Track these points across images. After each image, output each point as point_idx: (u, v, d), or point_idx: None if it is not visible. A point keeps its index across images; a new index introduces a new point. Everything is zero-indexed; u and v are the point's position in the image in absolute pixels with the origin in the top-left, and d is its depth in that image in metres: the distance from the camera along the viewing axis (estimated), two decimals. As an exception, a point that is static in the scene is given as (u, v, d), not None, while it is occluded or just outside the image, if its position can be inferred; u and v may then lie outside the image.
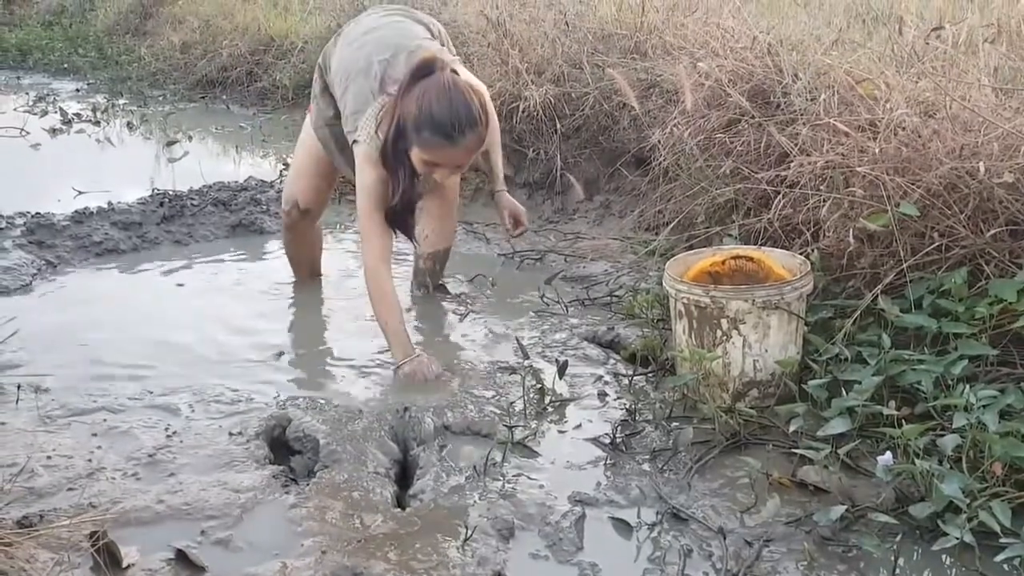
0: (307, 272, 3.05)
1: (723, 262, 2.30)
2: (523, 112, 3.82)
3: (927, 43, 2.57)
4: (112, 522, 1.67)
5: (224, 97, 6.64)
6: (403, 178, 2.31)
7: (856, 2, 5.62)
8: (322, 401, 2.18)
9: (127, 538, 1.64)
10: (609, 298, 2.82)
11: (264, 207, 3.71)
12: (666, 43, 3.79)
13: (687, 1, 4.12)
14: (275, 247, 3.46)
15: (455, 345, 2.55)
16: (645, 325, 2.55)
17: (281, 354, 2.51)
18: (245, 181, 3.99)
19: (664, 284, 2.21)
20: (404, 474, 1.96)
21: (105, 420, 2.11)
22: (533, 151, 3.85)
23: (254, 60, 6.34)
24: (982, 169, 2.06)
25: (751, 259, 2.28)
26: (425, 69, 2.25)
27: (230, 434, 2.05)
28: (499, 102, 3.95)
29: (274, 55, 6.20)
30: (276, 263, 3.27)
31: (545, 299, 2.81)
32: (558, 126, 3.78)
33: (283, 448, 2.04)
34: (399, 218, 2.39)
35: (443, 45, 2.59)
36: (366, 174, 2.36)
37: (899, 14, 3.05)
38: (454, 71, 2.30)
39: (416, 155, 2.25)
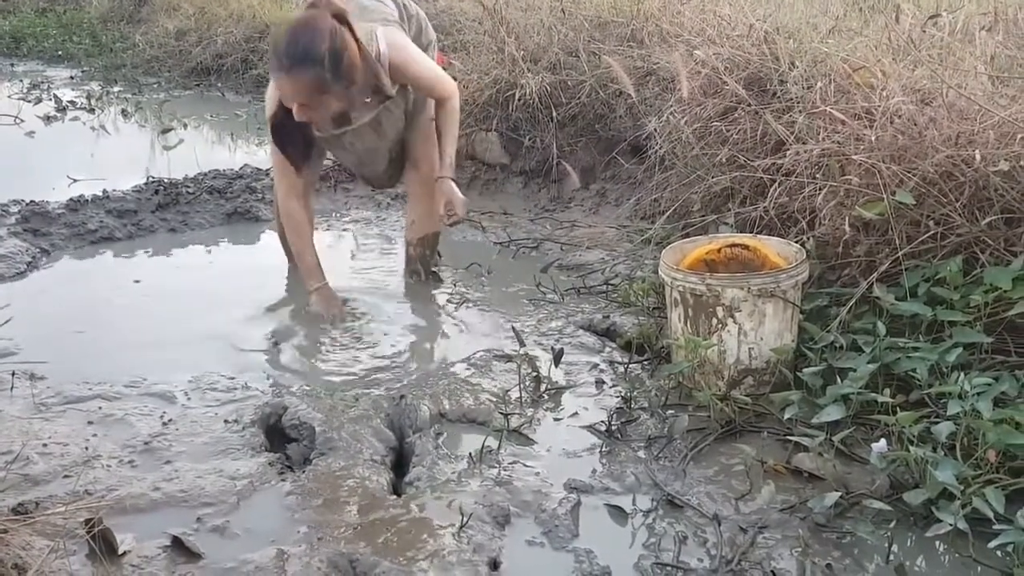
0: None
1: (719, 250, 2.30)
2: (519, 100, 3.81)
3: (924, 31, 2.57)
4: (108, 509, 1.67)
5: (219, 85, 6.61)
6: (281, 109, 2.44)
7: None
8: (318, 388, 2.18)
9: (123, 525, 1.64)
10: (605, 286, 2.82)
11: (259, 195, 3.71)
12: (663, 31, 3.78)
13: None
14: (271, 235, 3.45)
15: (451, 333, 2.55)
16: (641, 313, 2.56)
17: (277, 342, 2.50)
18: (240, 169, 3.98)
19: (660, 272, 2.21)
20: (400, 461, 1.96)
21: (100, 408, 2.11)
22: (529, 139, 3.84)
23: (249, 47, 6.31)
24: (978, 157, 2.06)
25: (747, 247, 2.28)
26: (310, 5, 2.40)
27: (226, 422, 2.05)
28: (495, 90, 3.95)
29: (269, 42, 6.16)
30: (272, 250, 3.25)
31: (541, 287, 2.81)
32: (554, 114, 3.77)
33: (279, 436, 2.04)
34: (284, 144, 2.55)
35: (407, 23, 2.71)
36: (267, 109, 2.55)
37: (896, 2, 3.03)
38: (338, 16, 2.36)
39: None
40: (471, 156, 4.01)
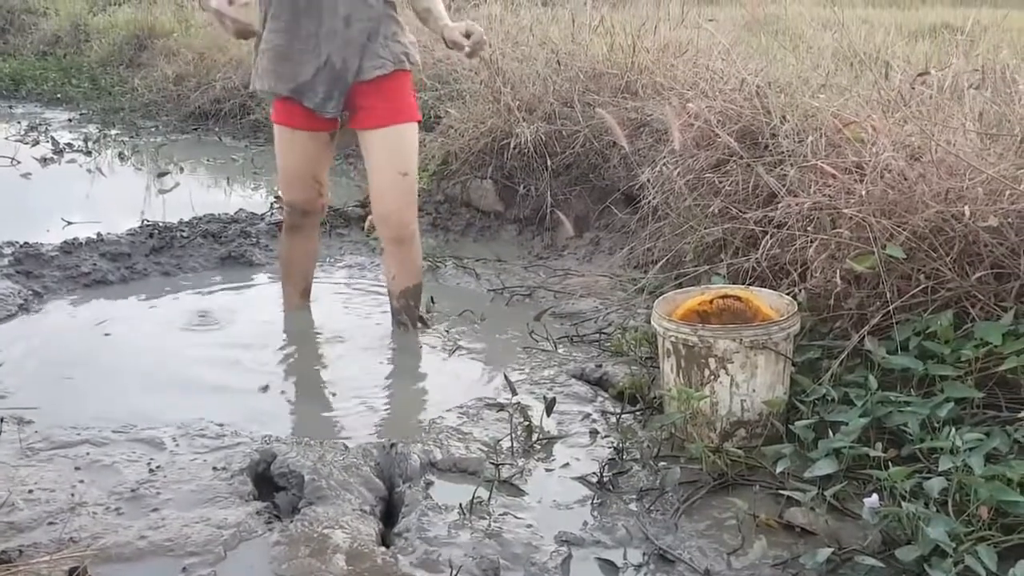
0: (298, 289, 3.04)
1: (711, 301, 2.31)
2: (514, 149, 3.85)
3: (913, 88, 2.61)
4: (93, 558, 1.65)
5: (216, 129, 6.66)
6: None
7: (843, 47, 5.74)
8: (308, 436, 2.17)
9: (108, 574, 1.61)
10: (598, 335, 2.82)
11: (254, 239, 3.72)
12: (656, 83, 3.85)
13: (677, 43, 4.19)
14: (264, 279, 3.46)
15: (442, 381, 2.54)
16: (634, 363, 2.56)
17: (267, 387, 2.49)
18: (235, 213, 4.00)
19: (652, 322, 2.21)
20: (389, 511, 1.94)
21: (88, 453, 2.09)
22: (524, 187, 3.88)
23: (247, 93, 6.36)
24: (967, 213, 2.09)
25: (739, 298, 2.29)
26: None
27: (214, 469, 2.03)
28: (491, 138, 4.00)
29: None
30: (265, 295, 3.26)
31: (534, 335, 2.81)
32: (549, 163, 3.82)
33: (268, 484, 2.02)
34: None
35: None
36: None
37: (885, 59, 3.10)
38: None
39: None
40: (466, 203, 4.05)
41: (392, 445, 2.08)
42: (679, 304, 2.30)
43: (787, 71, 3.78)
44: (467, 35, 2.58)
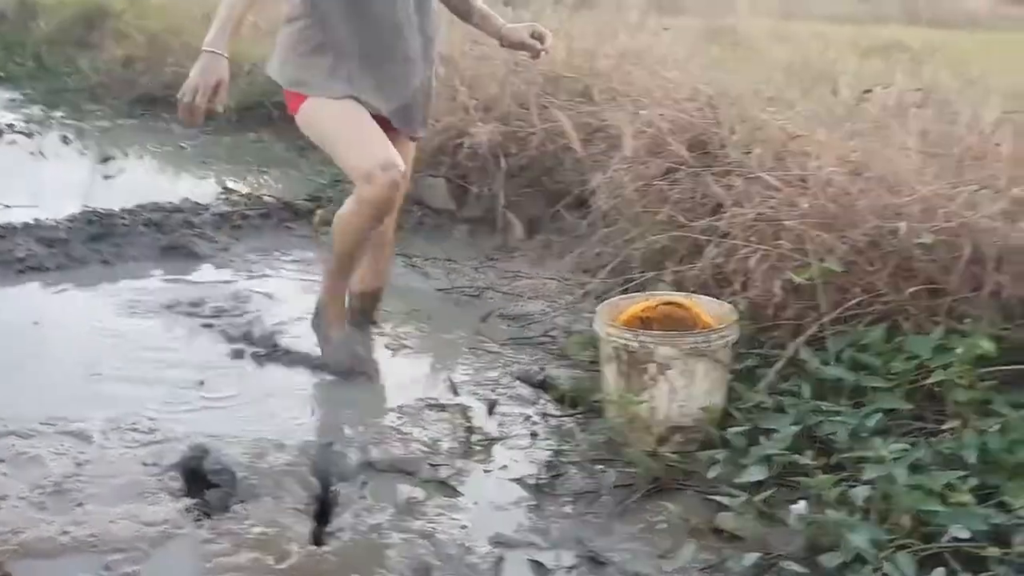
0: (347, 279, 2.59)
1: (654, 307, 2.33)
2: (469, 148, 3.84)
3: (858, 105, 2.67)
4: (12, 553, 1.61)
5: (166, 116, 6.50)
6: None
7: (795, 61, 5.85)
8: (243, 432, 2.14)
9: (27, 570, 1.58)
10: (544, 338, 2.83)
11: (198, 230, 3.65)
12: (613, 89, 3.87)
13: (636, 50, 4.22)
14: (207, 271, 3.40)
15: (385, 380, 2.52)
16: (577, 366, 2.57)
17: (203, 382, 2.45)
18: (180, 202, 3.91)
19: (595, 327, 2.23)
20: (324, 510, 1.92)
21: (13, 445, 2.03)
22: (477, 187, 3.87)
23: (200, 81, 6.26)
24: (903, 229, 2.14)
25: (681, 306, 2.31)
26: None
27: (144, 464, 1.99)
28: (445, 137, 3.98)
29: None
30: (206, 287, 3.21)
31: (480, 337, 2.81)
32: (503, 164, 3.81)
33: (200, 480, 1.99)
34: None
35: None
36: None
37: (837, 74, 3.16)
38: None
39: None
40: (418, 201, 4.02)
41: (330, 443, 2.07)
42: (623, 309, 2.32)
43: (741, 82, 3.85)
44: (534, 36, 2.49)
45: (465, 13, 2.60)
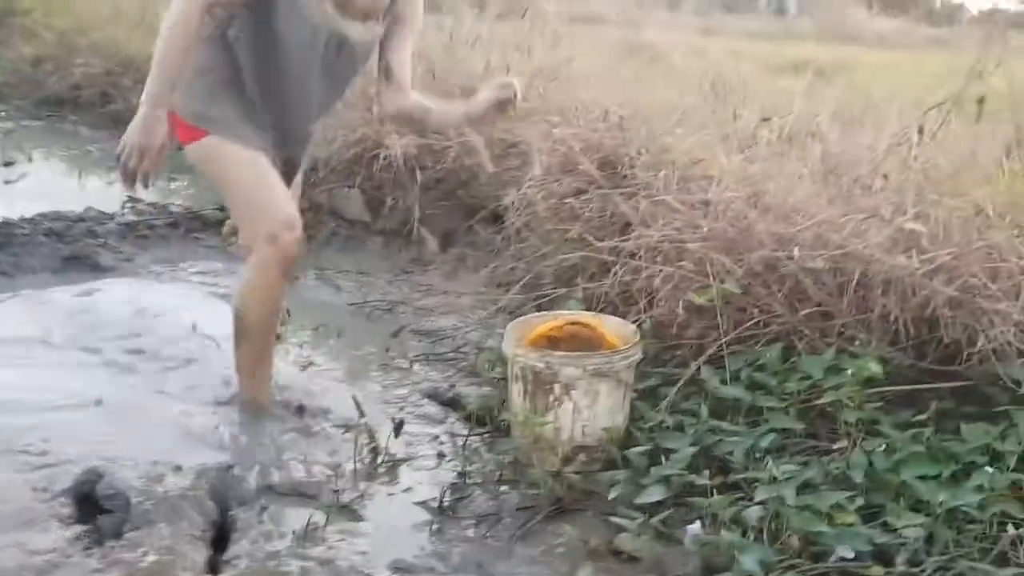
0: (271, 344, 2.39)
1: (561, 327, 2.36)
2: (384, 160, 3.83)
3: (757, 132, 2.76)
4: None
5: (73, 118, 6.30)
6: None
7: (709, 79, 6.00)
8: (140, 454, 2.07)
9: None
10: (455, 354, 2.83)
11: (101, 240, 3.53)
12: (528, 105, 3.91)
13: (551, 67, 4.27)
14: (111, 284, 3.29)
15: (290, 399, 2.47)
16: (487, 383, 2.58)
17: (100, 402, 2.37)
18: (84, 211, 3.79)
19: (503, 348, 2.25)
20: (221, 537, 1.88)
21: None
22: (392, 199, 3.86)
23: (109, 81, 6.06)
24: (796, 254, 2.23)
25: (587, 325, 2.35)
26: None
27: (34, 489, 1.91)
28: (360, 148, 3.96)
29: (132, 78, 5.93)
30: (108, 301, 3.10)
31: (390, 353, 2.80)
32: (418, 177, 3.81)
33: (92, 506, 1.92)
34: None
35: None
36: None
37: (745, 94, 3.26)
38: None
39: None
40: (332, 211, 3.99)
41: (229, 467, 2.03)
42: (532, 328, 2.34)
43: (653, 101, 3.93)
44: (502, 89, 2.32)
45: (423, 122, 2.48)
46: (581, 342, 2.33)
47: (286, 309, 2.94)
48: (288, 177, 2.33)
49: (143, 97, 2.02)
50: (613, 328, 2.33)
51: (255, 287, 2.21)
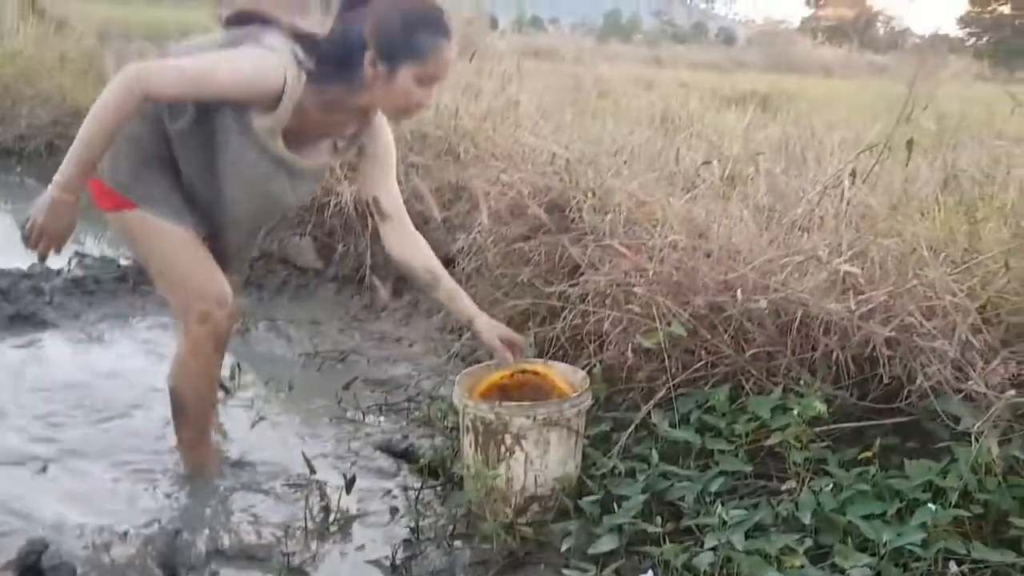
0: (211, 417, 2.38)
1: (511, 375, 2.36)
2: (335, 206, 3.82)
3: (699, 174, 2.82)
4: None
5: (19, 169, 6.20)
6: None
7: (658, 113, 6.12)
8: (86, 522, 2.03)
9: None
10: (408, 403, 2.82)
11: (47, 298, 3.47)
12: (479, 148, 3.94)
13: (500, 108, 4.31)
14: (57, 342, 3.23)
15: (241, 458, 2.44)
16: (440, 433, 2.57)
17: (45, 467, 2.32)
18: (29, 268, 3.71)
19: (454, 399, 2.24)
20: (168, 606, 1.85)
21: None
22: (343, 246, 3.85)
23: (56, 131, 5.98)
24: (739, 296, 2.26)
25: (537, 373, 2.36)
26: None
27: (-26, 564, 1.86)
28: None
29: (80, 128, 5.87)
30: (55, 360, 3.05)
31: (342, 405, 2.78)
32: (369, 223, 3.80)
33: (35, 578, 1.87)
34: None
35: None
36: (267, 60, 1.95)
37: (682, 141, 3.33)
38: None
39: (407, 75, 1.96)
40: (283, 259, 3.97)
41: (177, 532, 1.99)
42: (482, 378, 2.35)
43: (602, 139, 3.99)
44: (503, 340, 2.28)
45: (429, 285, 2.35)
46: (532, 390, 2.34)
47: (236, 364, 2.92)
48: (219, 258, 2.22)
49: (57, 176, 1.90)
50: (562, 374, 2.35)
51: (189, 366, 2.18)
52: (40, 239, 1.94)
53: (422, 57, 1.96)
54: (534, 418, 2.12)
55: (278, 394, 2.87)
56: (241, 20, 2.08)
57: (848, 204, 2.27)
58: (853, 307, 2.04)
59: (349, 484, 2.22)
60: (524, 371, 2.36)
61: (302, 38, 2.01)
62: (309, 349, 3.24)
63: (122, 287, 3.68)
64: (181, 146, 2.08)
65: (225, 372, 2.87)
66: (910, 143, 2.21)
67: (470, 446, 2.19)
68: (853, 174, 2.32)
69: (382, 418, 2.73)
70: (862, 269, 2.16)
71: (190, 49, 2.07)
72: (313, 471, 2.27)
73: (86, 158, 1.88)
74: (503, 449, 2.13)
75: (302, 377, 3.01)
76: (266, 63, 1.95)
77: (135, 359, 3.10)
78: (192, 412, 2.23)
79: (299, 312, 3.58)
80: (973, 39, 39.24)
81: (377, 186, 2.30)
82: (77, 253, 3.80)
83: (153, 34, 10.27)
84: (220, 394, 2.62)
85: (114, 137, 1.90)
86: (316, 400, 2.83)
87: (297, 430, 2.62)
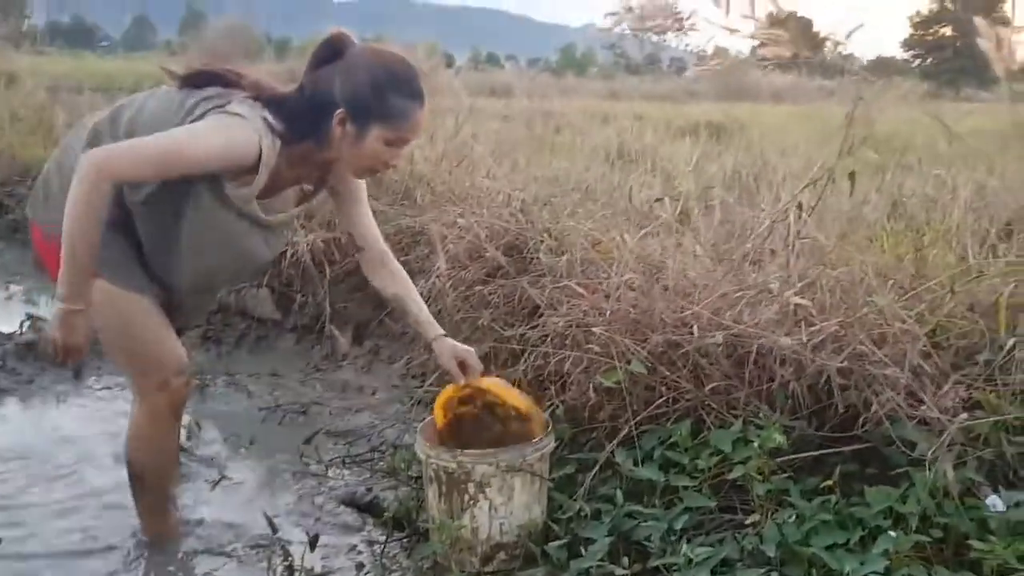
0: (172, 482, 2.31)
1: (461, 399, 2.30)
2: (292, 256, 3.80)
3: (651, 210, 2.85)
4: None
5: (-30, 230, 6.10)
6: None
7: (614, 146, 6.20)
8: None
9: None
10: (372, 454, 2.79)
11: (-1, 362, 3.40)
12: (436, 192, 3.96)
13: (454, 153, 4.35)
14: (11, 407, 3.16)
15: (201, 519, 2.39)
16: (404, 484, 2.54)
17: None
18: (-19, 334, 3.64)
19: (416, 449, 2.22)
20: None
21: None
22: (302, 296, 3.82)
23: (5, 191, 5.91)
24: (695, 331, 2.28)
25: (484, 390, 2.30)
26: (339, 45, 1.96)
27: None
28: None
29: (29, 186, 5.80)
30: (9, 425, 2.97)
31: (304, 459, 2.74)
32: (327, 271, 3.79)
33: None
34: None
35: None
36: (235, 132, 1.88)
37: (631, 183, 3.37)
38: None
39: (377, 136, 1.94)
40: (241, 311, 3.93)
41: (135, 604, 1.94)
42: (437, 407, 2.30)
43: (558, 177, 4.03)
44: (460, 364, 2.26)
45: (398, 311, 2.40)
46: (485, 407, 2.30)
47: (195, 422, 2.87)
48: (177, 317, 2.18)
49: (59, 289, 1.85)
50: (513, 390, 2.31)
51: (147, 435, 2.12)
52: (65, 354, 1.89)
53: (393, 121, 1.94)
54: (497, 465, 2.10)
55: (239, 451, 2.83)
56: (199, 81, 2.01)
57: (796, 236, 2.31)
58: (805, 339, 2.07)
59: (313, 542, 2.18)
60: (470, 387, 2.31)
61: (268, 100, 1.97)
62: (270, 403, 3.20)
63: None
64: (142, 214, 2.01)
65: (185, 430, 2.84)
66: (852, 175, 2.26)
67: (434, 496, 2.17)
68: (800, 207, 2.36)
69: (346, 471, 2.70)
70: (813, 300, 2.19)
71: (151, 118, 1.98)
72: (275, 530, 2.23)
73: (79, 265, 1.83)
74: (467, 498, 2.11)
75: (263, 432, 2.97)
76: (239, 135, 1.89)
77: (91, 423, 3.03)
78: (151, 480, 2.18)
79: (259, 365, 3.54)
80: (918, 60, 40.47)
81: (351, 222, 2.29)
82: (29, 316, 3.74)
83: (105, 86, 10.27)
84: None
85: (98, 229, 1.82)
86: (278, 455, 2.79)
87: (258, 489, 2.58)
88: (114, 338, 2.10)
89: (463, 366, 2.26)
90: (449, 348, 2.28)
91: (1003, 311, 2.11)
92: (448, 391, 2.31)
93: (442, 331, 2.31)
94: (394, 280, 2.32)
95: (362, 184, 2.27)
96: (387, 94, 1.92)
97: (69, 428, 2.98)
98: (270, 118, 1.93)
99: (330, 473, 2.67)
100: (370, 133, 1.94)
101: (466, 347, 2.31)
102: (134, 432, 2.14)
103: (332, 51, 1.95)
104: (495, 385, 2.33)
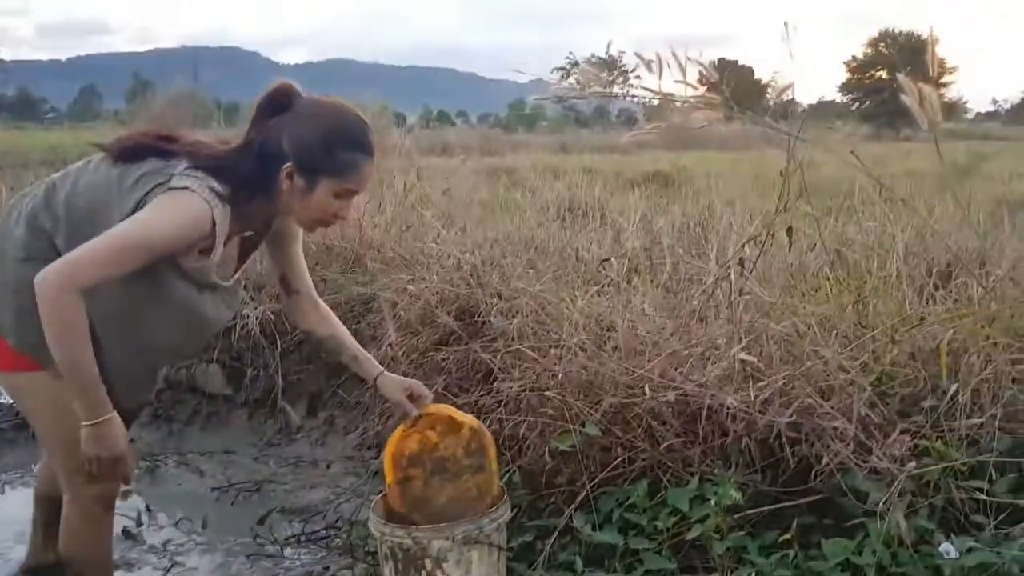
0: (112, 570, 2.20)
1: (412, 433, 2.23)
2: (241, 329, 3.75)
3: (600, 271, 2.88)
4: None
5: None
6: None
7: (563, 203, 6.28)
8: None
9: None
10: (327, 531, 2.73)
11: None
12: (386, 257, 3.96)
13: (404, 218, 4.36)
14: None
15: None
16: (361, 561, 2.49)
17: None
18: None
19: (370, 526, 2.18)
20: None
21: None
22: (253, 369, 3.76)
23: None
24: (647, 391, 2.29)
25: (432, 414, 2.24)
26: (285, 98, 1.92)
27: None
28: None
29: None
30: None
31: (259, 540, 2.67)
32: (278, 343, 3.74)
33: None
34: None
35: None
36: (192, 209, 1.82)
37: (579, 243, 3.41)
38: None
39: (326, 189, 1.89)
40: (192, 388, 3.85)
41: None
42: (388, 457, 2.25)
43: (510, 236, 4.06)
44: (411, 396, 2.21)
45: (333, 351, 2.29)
46: (444, 432, 2.25)
47: (146, 505, 2.79)
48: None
49: (79, 412, 1.78)
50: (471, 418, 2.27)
51: (80, 530, 2.02)
52: (112, 468, 1.82)
53: (342, 174, 1.90)
54: (453, 539, 2.06)
55: (191, 535, 2.74)
56: (135, 155, 1.92)
57: (740, 292, 2.34)
58: (753, 396, 2.08)
59: (267, 630, 2.11)
60: (422, 416, 2.26)
61: (209, 165, 1.90)
62: (222, 482, 3.12)
63: (21, 435, 3.50)
64: (97, 310, 1.85)
65: (133, 516, 2.76)
66: (790, 231, 2.31)
67: (391, 574, 2.12)
68: (741, 263, 2.40)
69: (302, 550, 2.63)
70: (760, 354, 2.22)
71: (88, 197, 1.90)
72: (227, 621, 2.16)
73: (86, 381, 1.76)
74: (424, 574, 2.07)
75: (216, 513, 2.89)
76: (190, 212, 1.82)
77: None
78: (92, 574, 2.10)
79: (210, 442, 3.46)
80: (857, 103, 41.86)
81: (286, 262, 2.22)
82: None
83: (50, 159, 10.16)
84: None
85: (87, 341, 1.75)
86: (231, 537, 2.71)
87: (212, 574, 2.50)
88: (50, 429, 2.00)
89: (411, 397, 2.21)
90: (394, 382, 2.23)
91: (944, 357, 2.16)
92: (396, 435, 2.24)
93: (382, 368, 2.25)
94: (329, 322, 2.27)
95: (300, 236, 2.21)
96: (335, 146, 1.89)
97: (15, 515, 2.86)
98: (216, 186, 1.88)
99: (286, 553, 2.60)
100: (319, 186, 1.90)
101: (411, 379, 2.27)
102: (66, 528, 2.03)
103: (278, 104, 1.91)
104: (446, 408, 2.28)
